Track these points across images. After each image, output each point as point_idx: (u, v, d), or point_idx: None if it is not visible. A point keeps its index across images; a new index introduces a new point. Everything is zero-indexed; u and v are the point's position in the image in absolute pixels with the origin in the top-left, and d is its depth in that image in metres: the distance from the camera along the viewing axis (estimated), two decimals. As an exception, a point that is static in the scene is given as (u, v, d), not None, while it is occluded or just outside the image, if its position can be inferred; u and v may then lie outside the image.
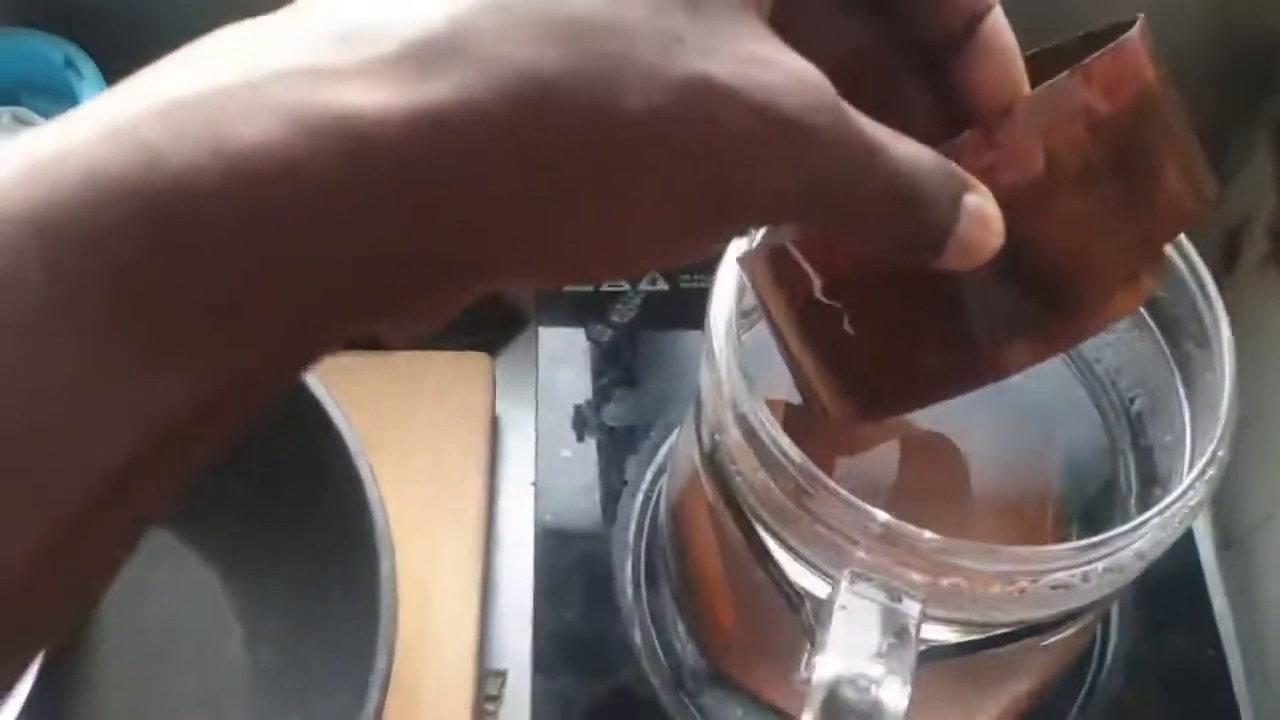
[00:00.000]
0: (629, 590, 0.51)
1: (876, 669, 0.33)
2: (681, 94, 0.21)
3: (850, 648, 0.33)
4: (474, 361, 0.58)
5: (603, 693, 0.49)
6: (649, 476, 0.53)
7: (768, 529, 0.38)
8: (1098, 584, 0.35)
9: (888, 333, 0.31)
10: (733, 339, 0.38)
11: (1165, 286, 0.41)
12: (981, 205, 0.26)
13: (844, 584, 0.35)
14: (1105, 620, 0.52)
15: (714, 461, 0.40)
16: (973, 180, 0.26)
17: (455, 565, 0.53)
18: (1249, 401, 0.59)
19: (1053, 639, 0.40)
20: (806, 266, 0.30)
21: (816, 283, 0.30)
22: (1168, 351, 0.42)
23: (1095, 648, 0.52)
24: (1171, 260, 0.40)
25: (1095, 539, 0.34)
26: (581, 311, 0.58)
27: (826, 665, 0.33)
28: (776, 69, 0.22)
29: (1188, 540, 0.55)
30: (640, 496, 0.53)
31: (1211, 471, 0.36)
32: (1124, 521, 0.38)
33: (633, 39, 0.21)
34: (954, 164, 0.26)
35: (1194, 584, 0.54)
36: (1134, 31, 0.29)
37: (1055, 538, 0.41)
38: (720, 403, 0.37)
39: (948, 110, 0.29)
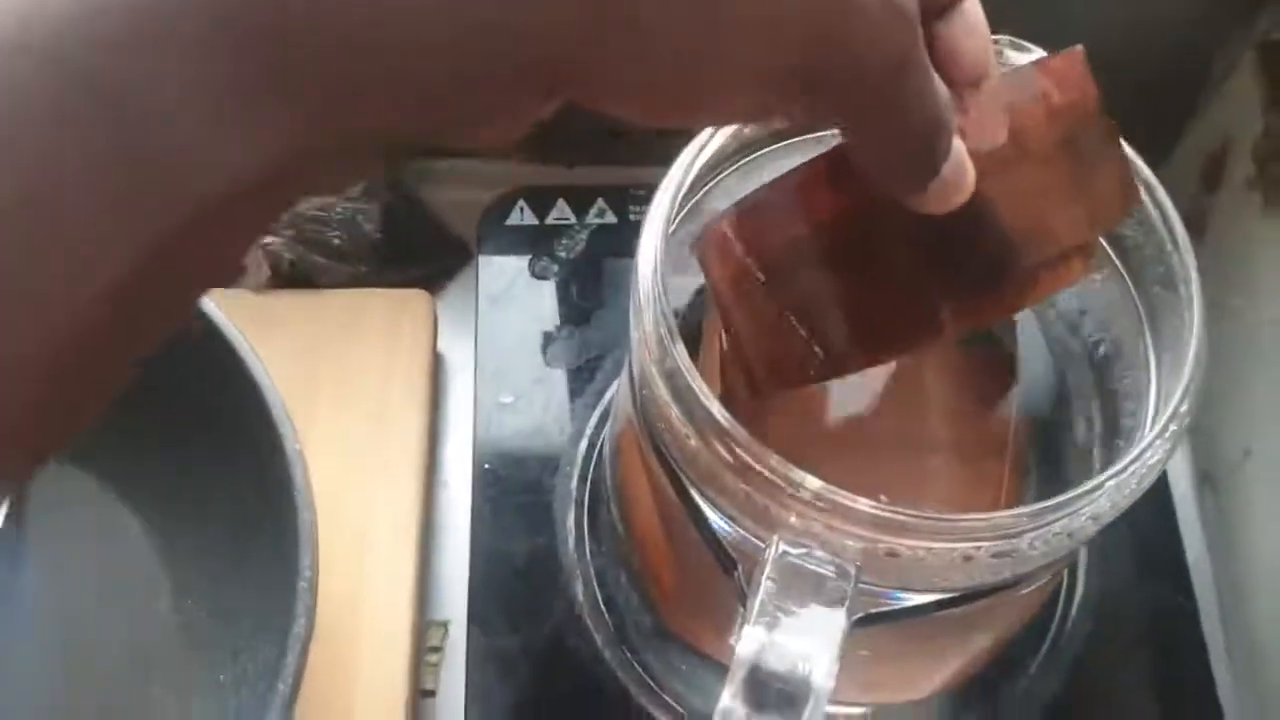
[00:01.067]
0: (571, 541, 0.48)
1: (804, 643, 0.31)
2: None
3: (777, 620, 0.31)
4: (414, 299, 0.55)
5: (542, 647, 0.47)
6: (594, 421, 0.51)
7: (699, 490, 0.35)
8: (1048, 549, 0.33)
9: (841, 292, 0.31)
10: (660, 285, 0.35)
11: (1132, 225, 0.38)
12: (962, 151, 0.28)
13: (773, 551, 0.32)
14: (1072, 568, 0.50)
15: (645, 416, 0.37)
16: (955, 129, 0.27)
17: (394, 513, 0.51)
18: (1228, 330, 0.56)
19: (1009, 598, 0.38)
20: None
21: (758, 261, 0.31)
22: (1134, 294, 0.39)
23: (1060, 595, 0.49)
24: (1140, 198, 0.37)
25: (1044, 504, 0.32)
26: (525, 245, 0.55)
27: (750, 639, 0.31)
28: None
29: (1160, 480, 0.52)
30: (584, 443, 0.50)
31: (1173, 428, 0.33)
32: (1088, 473, 0.35)
33: None
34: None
35: (1167, 526, 0.52)
36: (1077, 48, 0.32)
37: (1014, 489, 0.39)
38: (646, 356, 0.35)
39: None
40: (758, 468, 0.32)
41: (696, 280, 0.39)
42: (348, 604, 0.49)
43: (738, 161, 0.38)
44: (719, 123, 0.36)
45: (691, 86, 0.23)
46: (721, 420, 0.32)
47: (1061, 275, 0.32)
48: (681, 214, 0.36)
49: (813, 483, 0.32)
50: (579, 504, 0.49)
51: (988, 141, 0.29)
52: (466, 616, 0.48)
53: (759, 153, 0.39)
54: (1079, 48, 0.32)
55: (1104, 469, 0.35)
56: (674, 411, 0.34)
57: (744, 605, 0.35)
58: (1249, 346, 0.55)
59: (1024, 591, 0.38)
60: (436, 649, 0.52)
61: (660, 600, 0.45)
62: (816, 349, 0.31)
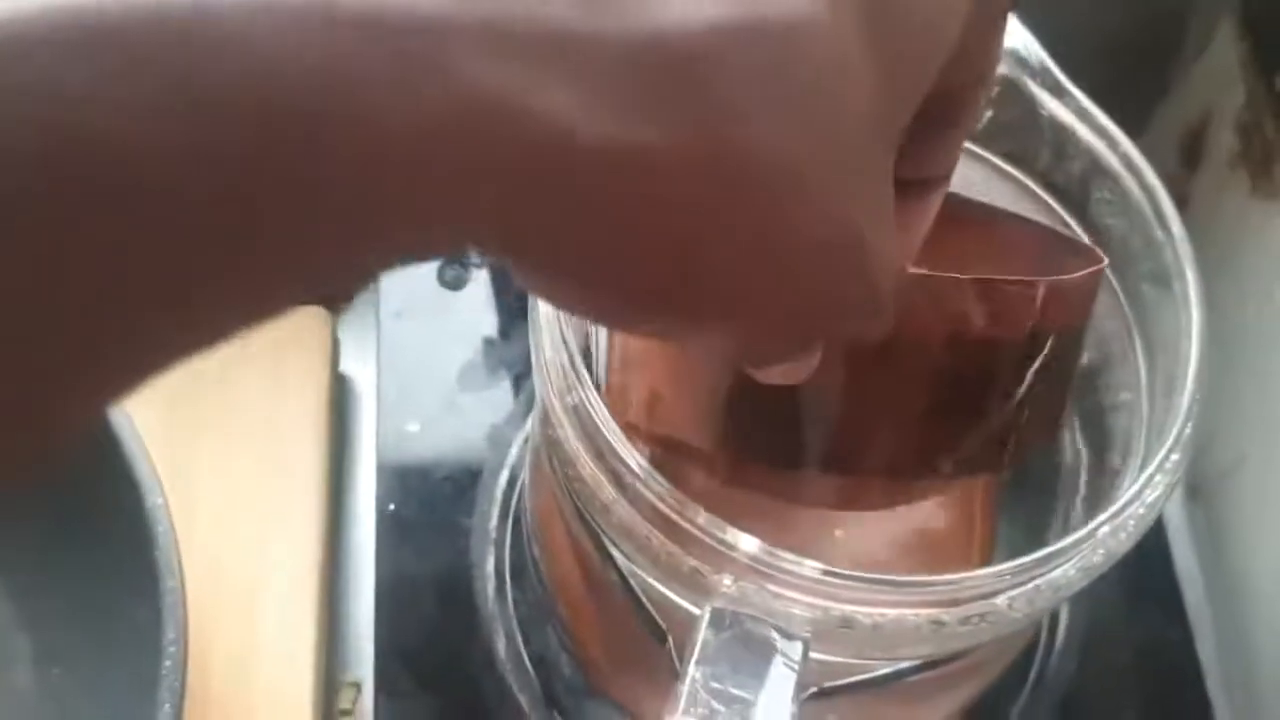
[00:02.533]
0: (490, 590, 0.43)
1: (743, 736, 0.25)
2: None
3: (711, 703, 0.25)
4: (310, 319, 0.49)
5: (460, 709, 0.42)
6: (514, 450, 0.45)
7: (614, 544, 0.30)
8: (1031, 609, 0.27)
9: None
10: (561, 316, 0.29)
11: (1115, 212, 0.33)
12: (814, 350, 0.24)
13: (705, 624, 0.27)
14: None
15: (554, 458, 0.31)
16: None
17: (290, 563, 0.45)
18: (1215, 327, 0.51)
19: (986, 656, 0.32)
20: None
21: None
22: (1119, 291, 0.34)
23: (1043, 628, 0.44)
24: (1121, 180, 0.32)
25: (1025, 560, 0.26)
26: (434, 253, 0.49)
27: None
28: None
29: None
30: (504, 474, 0.45)
31: (1174, 458, 0.28)
32: (1071, 504, 0.30)
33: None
34: None
35: (1156, 545, 0.47)
36: (1071, 281, 0.26)
37: (986, 529, 0.33)
38: (549, 389, 0.29)
39: None
40: (683, 524, 0.27)
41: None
42: (239, 668, 0.43)
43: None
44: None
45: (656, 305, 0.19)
46: (636, 467, 0.27)
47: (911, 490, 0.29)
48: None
49: (748, 543, 0.26)
50: (499, 545, 0.43)
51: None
52: (373, 680, 0.42)
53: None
54: (1075, 276, 0.26)
55: (1091, 495, 0.30)
56: (583, 455, 0.28)
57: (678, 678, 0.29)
58: (1237, 345, 0.50)
59: (1000, 647, 0.32)
60: (347, 713, 0.46)
61: (588, 660, 0.39)
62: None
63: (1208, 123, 0.52)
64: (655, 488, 0.27)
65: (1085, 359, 0.36)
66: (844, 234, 0.19)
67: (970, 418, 0.26)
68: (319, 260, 0.17)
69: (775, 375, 0.24)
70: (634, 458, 0.27)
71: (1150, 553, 0.47)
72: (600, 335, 0.32)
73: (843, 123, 0.18)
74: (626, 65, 0.17)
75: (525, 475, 0.42)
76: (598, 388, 0.30)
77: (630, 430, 0.28)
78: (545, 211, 0.17)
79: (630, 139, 0.17)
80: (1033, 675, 0.43)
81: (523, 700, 0.41)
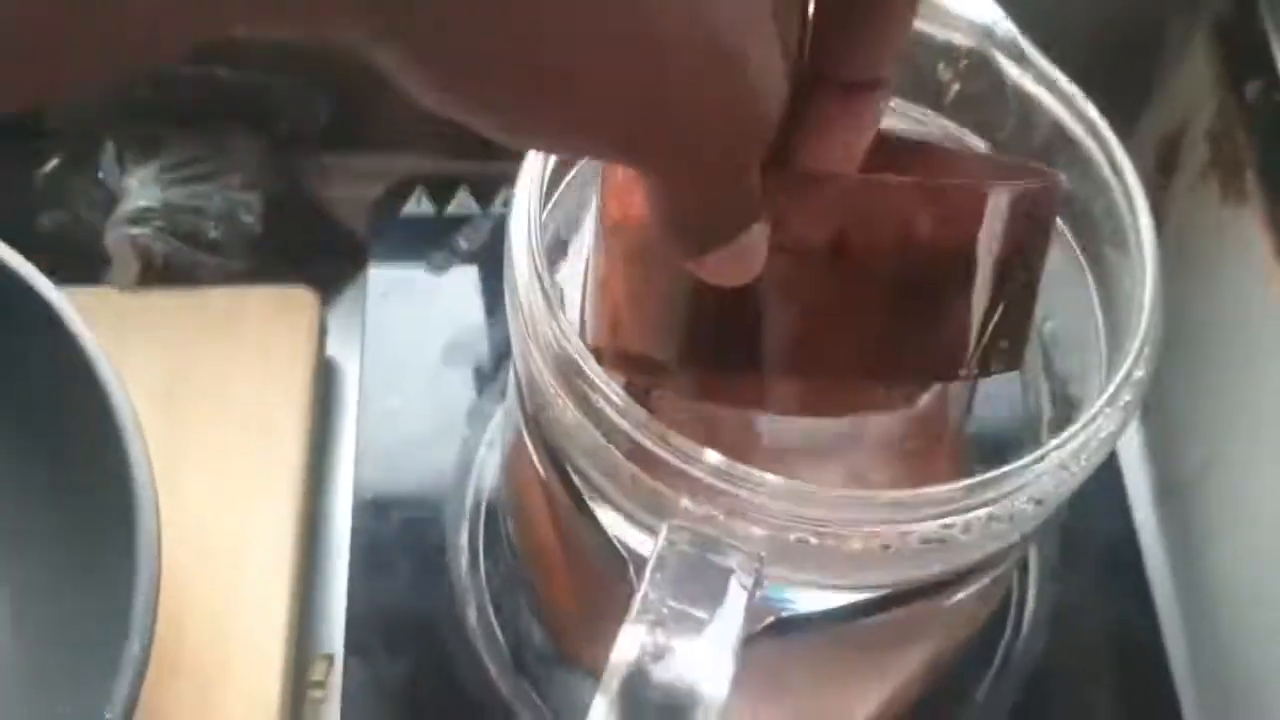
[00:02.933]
0: (464, 561, 0.43)
1: (693, 646, 0.26)
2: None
3: (662, 619, 0.26)
4: (297, 297, 0.50)
5: (430, 677, 0.42)
6: (492, 426, 0.46)
7: (584, 476, 0.30)
8: (982, 536, 0.28)
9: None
10: (535, 248, 0.30)
11: (1075, 178, 0.34)
12: (760, 237, 0.24)
13: (662, 539, 0.27)
14: (1022, 579, 0.45)
15: (525, 394, 0.32)
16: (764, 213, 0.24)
17: (270, 533, 0.46)
18: (1186, 329, 0.52)
19: (946, 603, 0.33)
20: None
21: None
22: (1080, 257, 0.34)
23: (1010, 612, 0.45)
24: (1082, 146, 0.33)
25: (975, 479, 0.27)
26: (423, 238, 0.50)
27: (628, 640, 0.25)
28: None
29: (1118, 489, 0.48)
30: (481, 450, 0.45)
31: (1126, 396, 0.29)
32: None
33: None
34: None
35: (1125, 539, 0.48)
36: (1020, 188, 0.27)
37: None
38: (521, 321, 0.30)
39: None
40: (644, 440, 0.27)
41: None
42: (215, 632, 0.44)
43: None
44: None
45: (536, 102, 0.20)
46: (604, 386, 0.28)
47: (865, 399, 0.30)
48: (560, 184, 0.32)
49: (709, 456, 0.27)
50: (473, 519, 0.44)
51: (801, 242, 0.26)
52: (343, 646, 0.42)
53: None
54: (1021, 186, 0.27)
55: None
56: (551, 382, 0.29)
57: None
58: (1210, 345, 0.50)
59: (960, 597, 0.33)
60: (319, 684, 0.46)
61: (558, 623, 0.40)
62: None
63: (1183, 132, 0.53)
64: (620, 405, 0.27)
65: (1049, 328, 0.37)
66: (708, 30, 0.20)
67: (925, 324, 0.27)
68: None
69: (720, 271, 0.24)
70: (601, 379, 0.28)
71: (1122, 553, 0.48)
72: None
73: None
74: None
75: (501, 446, 0.43)
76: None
77: (596, 354, 0.29)
78: None
79: None
80: (997, 661, 0.44)
81: (492, 668, 0.42)
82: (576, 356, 0.28)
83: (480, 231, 0.50)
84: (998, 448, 0.36)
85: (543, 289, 0.29)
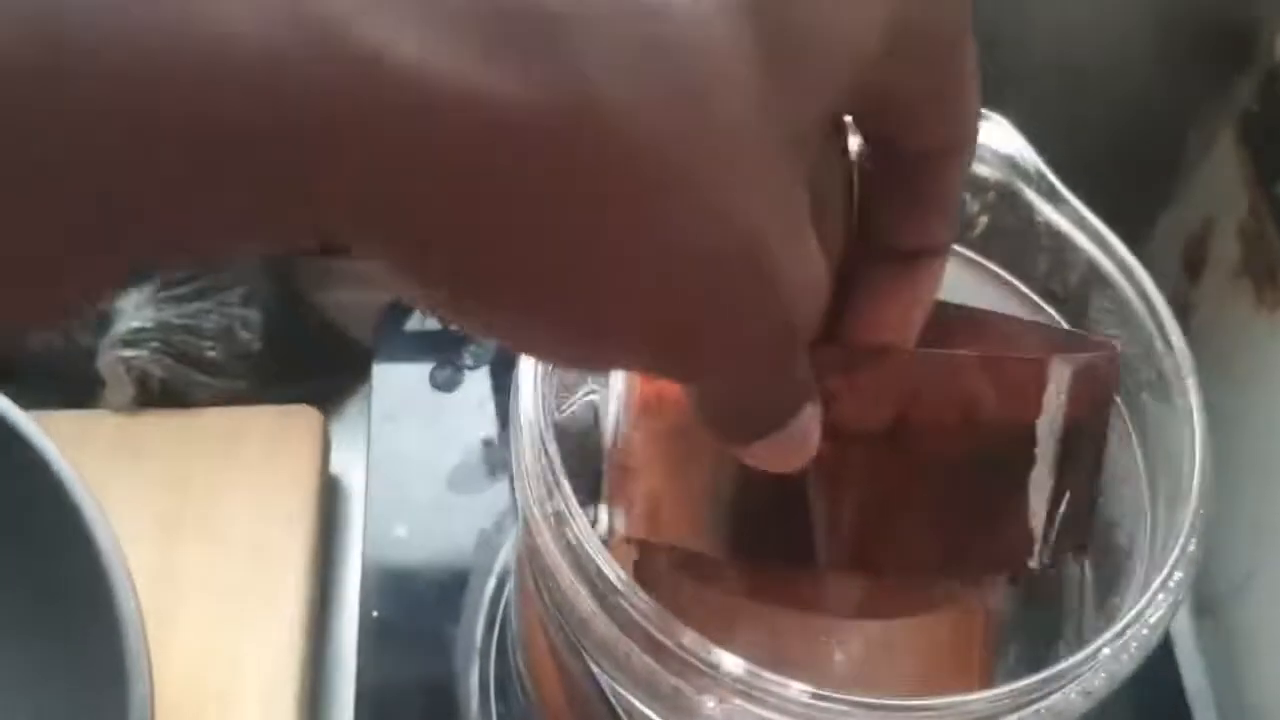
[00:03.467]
0: (474, 703, 0.41)
1: None
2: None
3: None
4: (300, 416, 0.49)
5: (441, 834, 0.40)
6: (502, 556, 0.44)
7: (594, 660, 0.29)
8: (1030, 734, 0.26)
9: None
10: (541, 407, 0.28)
11: (1114, 322, 0.32)
12: (812, 420, 0.23)
13: (687, 749, 0.25)
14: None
15: (535, 569, 0.30)
16: (817, 394, 0.23)
17: (271, 664, 0.44)
18: (1220, 438, 0.50)
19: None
20: None
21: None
22: (1119, 402, 0.33)
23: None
24: (1120, 288, 0.31)
25: (1024, 682, 0.25)
26: (427, 352, 0.48)
27: None
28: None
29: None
30: (492, 582, 0.43)
31: (1178, 575, 0.27)
32: (1078, 626, 0.29)
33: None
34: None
35: (1164, 660, 0.46)
36: (1082, 359, 0.26)
37: (986, 655, 0.32)
38: (529, 496, 0.28)
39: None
40: (664, 641, 0.25)
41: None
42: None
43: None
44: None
45: (552, 322, 0.19)
46: (616, 580, 0.26)
47: (919, 601, 0.28)
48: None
49: (732, 663, 0.25)
50: (484, 655, 0.42)
51: (861, 423, 0.24)
52: (350, 797, 0.40)
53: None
54: (1084, 359, 0.26)
55: (1098, 607, 0.29)
56: (562, 565, 0.27)
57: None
58: (1244, 456, 0.49)
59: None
60: (324, 827, 0.44)
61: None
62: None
63: (1210, 232, 0.51)
64: (636, 602, 0.26)
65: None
66: (735, 238, 0.18)
67: (990, 510, 0.25)
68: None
69: (770, 458, 0.23)
70: (614, 570, 0.26)
71: (1159, 670, 0.45)
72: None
73: (721, 113, 0.17)
74: (487, 8, 0.16)
75: (512, 584, 0.41)
76: (605, 502, 0.29)
77: (637, 544, 0.27)
78: (403, 177, 0.16)
79: (485, 84, 0.16)
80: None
81: (505, 819, 0.40)
82: (589, 547, 0.26)
83: (486, 347, 0.48)
84: (1030, 620, 0.34)
85: (551, 470, 0.27)
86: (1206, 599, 0.50)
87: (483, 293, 0.18)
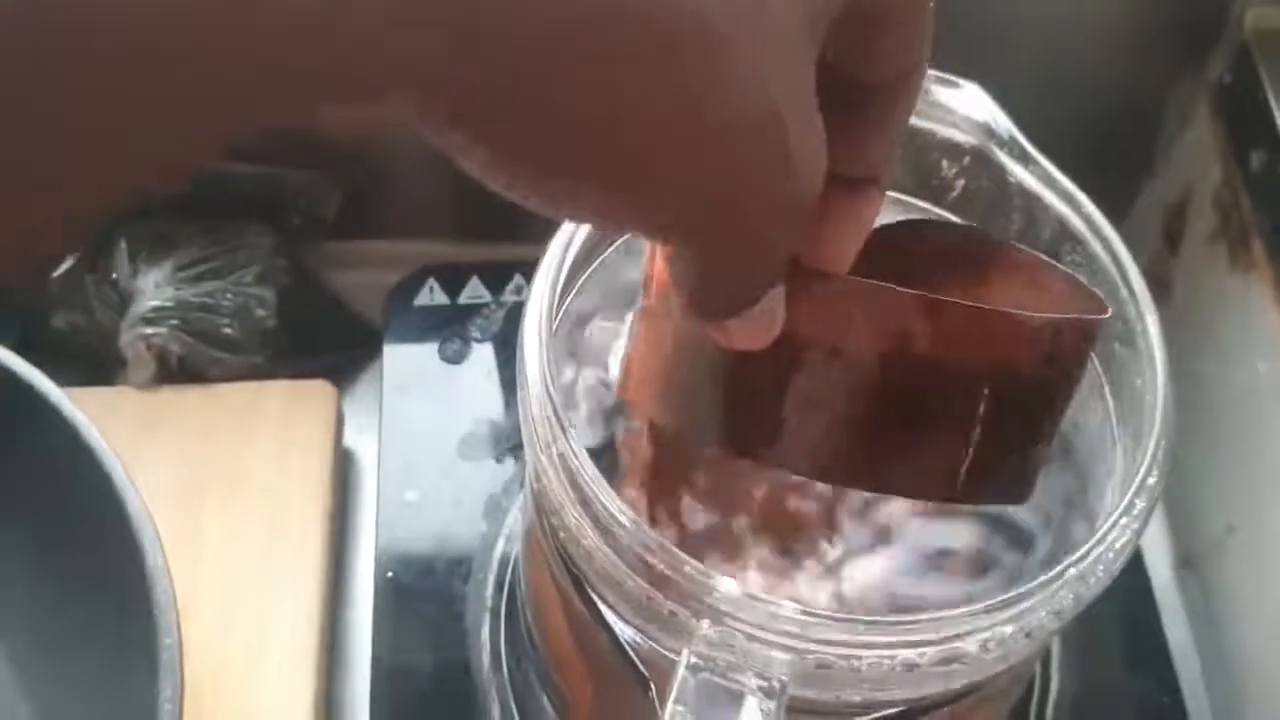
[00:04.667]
0: (486, 657, 0.43)
1: (718, 782, 0.26)
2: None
3: (687, 750, 0.26)
4: (314, 390, 0.50)
5: (455, 779, 0.42)
6: (510, 518, 0.46)
7: (600, 594, 0.31)
8: (1003, 652, 0.28)
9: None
10: (546, 359, 0.30)
11: (1085, 273, 0.34)
12: (778, 301, 0.25)
13: (682, 666, 0.27)
14: (1045, 660, 0.45)
15: (540, 510, 0.32)
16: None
17: (290, 627, 0.46)
18: (1199, 398, 0.52)
19: (968, 707, 0.33)
20: None
21: None
22: (1092, 354, 0.35)
23: (1034, 694, 0.44)
24: (1087, 245, 0.33)
25: (994, 600, 0.27)
26: (435, 327, 0.50)
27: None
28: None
29: (1137, 562, 0.48)
30: (501, 543, 0.45)
31: (1140, 504, 0.29)
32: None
33: None
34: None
35: (1147, 612, 0.47)
36: (1047, 321, 0.26)
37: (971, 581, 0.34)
38: (535, 441, 0.30)
39: None
40: (662, 568, 0.27)
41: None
42: (237, 732, 0.44)
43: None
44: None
45: (601, 187, 0.21)
46: (617, 511, 0.28)
47: None
48: (570, 294, 0.32)
49: (726, 584, 0.27)
50: (494, 614, 0.44)
51: (807, 336, 0.26)
52: (368, 743, 0.42)
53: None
54: (1060, 318, 0.27)
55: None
56: (567, 503, 0.29)
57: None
58: (1223, 415, 0.50)
59: (983, 696, 0.33)
60: (344, 781, 0.46)
61: (582, 721, 0.40)
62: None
63: (1188, 201, 0.53)
64: (635, 532, 0.28)
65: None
66: (764, 112, 0.20)
67: (919, 439, 0.27)
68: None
69: (736, 335, 0.25)
70: (615, 502, 0.28)
71: (1142, 622, 0.47)
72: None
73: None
74: None
75: (520, 544, 0.43)
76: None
77: (646, 489, 0.29)
78: (472, 58, 0.18)
79: None
80: (1026, 741, 0.43)
81: (517, 767, 0.42)
82: (592, 484, 0.28)
83: (493, 320, 0.50)
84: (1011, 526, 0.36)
85: (555, 414, 0.29)
86: (1188, 556, 0.52)
87: (544, 157, 0.20)
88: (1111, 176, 0.55)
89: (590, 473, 0.28)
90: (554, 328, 0.33)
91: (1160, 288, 0.55)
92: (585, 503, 0.29)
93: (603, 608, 0.31)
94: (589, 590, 0.31)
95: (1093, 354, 0.34)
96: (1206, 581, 0.51)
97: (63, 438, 0.41)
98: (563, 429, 0.29)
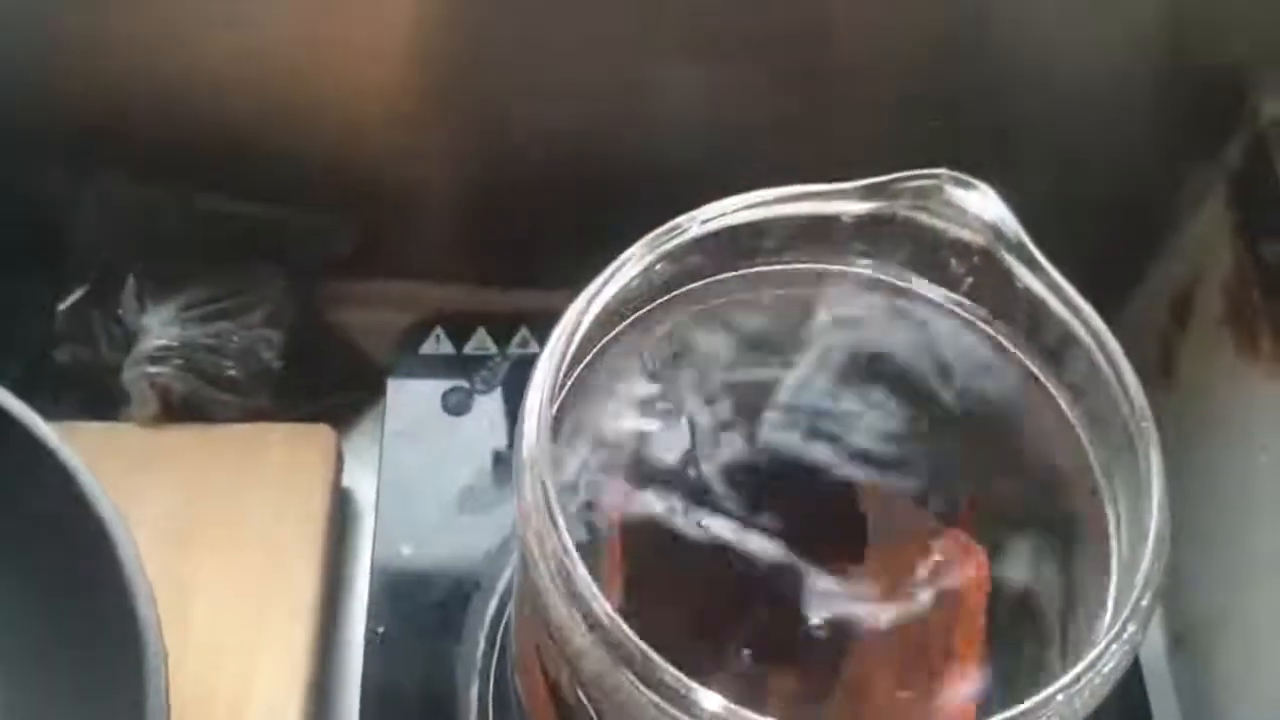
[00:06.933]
0: (473, 717, 0.43)
1: None
2: None
3: None
4: (315, 433, 0.51)
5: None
6: (506, 577, 0.46)
7: (583, 688, 0.31)
8: (988, 774, 0.28)
9: None
10: (544, 448, 0.30)
11: (1087, 380, 0.34)
12: None
13: (665, 777, 0.27)
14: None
15: (530, 601, 0.32)
16: None
17: (282, 669, 0.46)
18: (1198, 480, 0.52)
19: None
20: None
21: None
22: (1090, 455, 0.35)
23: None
24: (1091, 353, 0.33)
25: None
26: (440, 376, 0.50)
27: None
28: None
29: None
30: (494, 602, 0.45)
31: (1131, 628, 0.29)
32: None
33: None
34: None
35: (1136, 696, 0.47)
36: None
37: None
38: (528, 532, 0.30)
39: None
40: (648, 678, 0.27)
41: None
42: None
43: (629, 316, 0.35)
44: None
45: None
46: (605, 616, 0.28)
47: None
48: (569, 381, 0.32)
49: (710, 701, 0.27)
50: (484, 676, 0.44)
51: None
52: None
53: (648, 307, 0.35)
54: None
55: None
56: (558, 603, 0.29)
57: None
58: (1220, 498, 0.50)
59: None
60: (327, 829, 0.46)
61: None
62: None
63: (1198, 284, 0.53)
64: (622, 639, 0.28)
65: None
66: None
67: None
68: None
69: None
70: (605, 607, 0.28)
71: (1131, 707, 0.47)
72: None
73: None
74: None
75: (511, 607, 0.43)
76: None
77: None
78: None
79: None
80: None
81: (500, 832, 0.42)
82: (581, 585, 0.28)
83: (497, 373, 0.51)
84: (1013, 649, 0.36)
85: (548, 506, 0.29)
86: (1180, 637, 0.52)
87: None
88: (1122, 256, 0.56)
89: (579, 573, 0.28)
90: (555, 409, 0.33)
91: (1165, 369, 0.55)
92: (575, 603, 0.29)
93: (590, 710, 0.31)
94: (579, 690, 0.31)
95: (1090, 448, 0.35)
96: (1198, 662, 0.51)
97: (58, 482, 0.41)
98: (554, 521, 0.29)
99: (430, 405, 0.50)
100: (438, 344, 0.51)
